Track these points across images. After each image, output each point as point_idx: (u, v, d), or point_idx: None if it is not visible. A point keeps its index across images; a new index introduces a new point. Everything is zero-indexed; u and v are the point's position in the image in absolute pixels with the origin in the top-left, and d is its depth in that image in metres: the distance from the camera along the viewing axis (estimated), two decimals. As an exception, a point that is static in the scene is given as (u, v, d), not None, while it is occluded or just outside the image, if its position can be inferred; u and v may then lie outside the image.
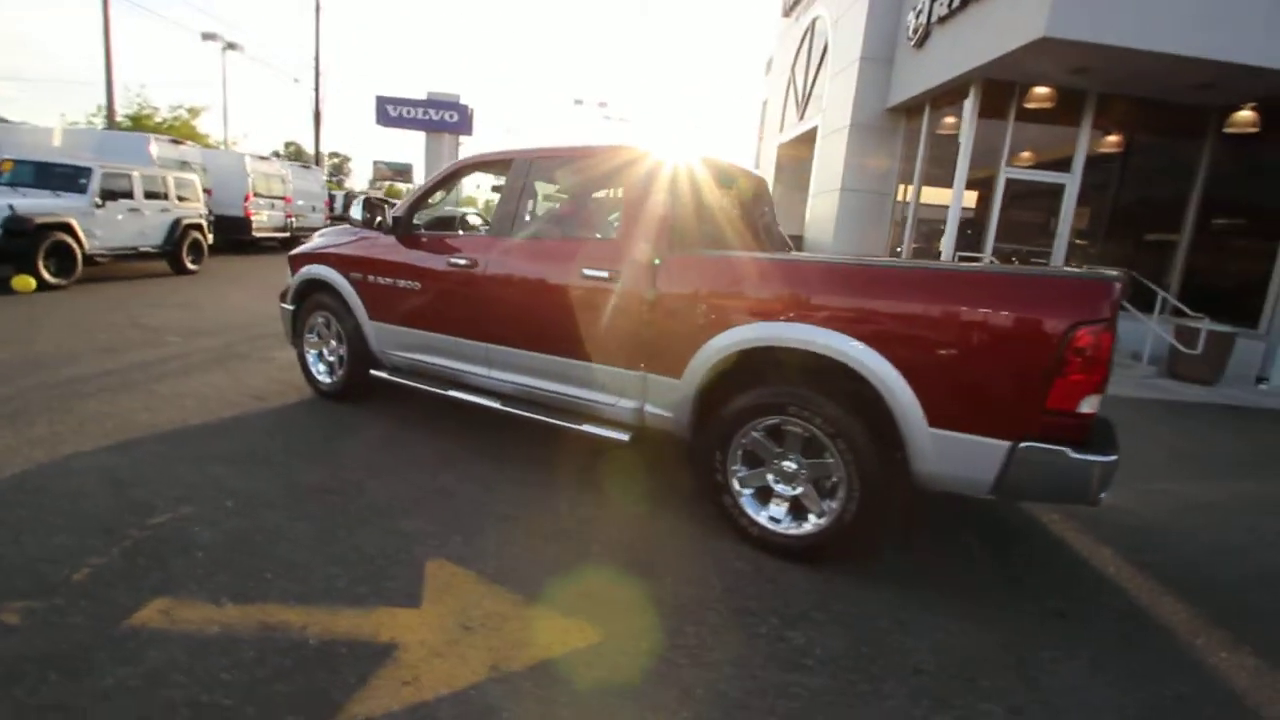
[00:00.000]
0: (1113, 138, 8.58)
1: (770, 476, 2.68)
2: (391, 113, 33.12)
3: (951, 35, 8.10)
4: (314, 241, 4.41)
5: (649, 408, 2.95)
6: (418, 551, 2.47)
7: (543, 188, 3.46)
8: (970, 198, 9.10)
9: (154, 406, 3.86)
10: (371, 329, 3.90)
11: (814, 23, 12.56)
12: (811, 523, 2.57)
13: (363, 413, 4.05)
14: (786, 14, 14.54)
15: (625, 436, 2.99)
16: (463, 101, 32.69)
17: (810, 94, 12.59)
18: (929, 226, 9.85)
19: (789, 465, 2.63)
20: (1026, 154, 8.61)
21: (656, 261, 2.82)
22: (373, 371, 3.96)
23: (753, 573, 2.51)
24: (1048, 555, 2.89)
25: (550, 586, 2.32)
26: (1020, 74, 7.69)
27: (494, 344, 3.36)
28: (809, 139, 12.65)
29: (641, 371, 2.91)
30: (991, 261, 8.27)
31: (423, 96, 31.63)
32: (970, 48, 7.65)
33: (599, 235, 3.15)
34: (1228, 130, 8.03)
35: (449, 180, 3.85)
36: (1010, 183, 8.36)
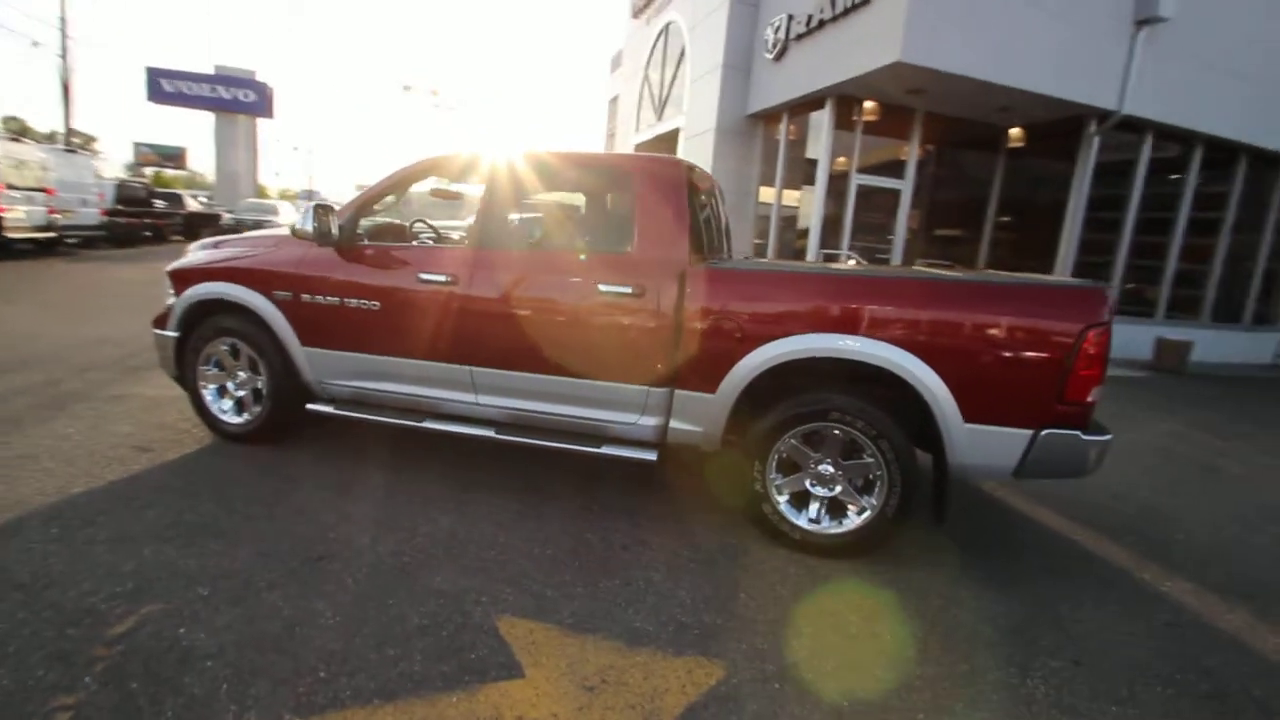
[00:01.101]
0: (932, 148, 10.04)
1: (807, 481, 2.78)
2: (167, 88, 28.28)
3: (808, 52, 8.88)
4: (199, 254, 3.63)
5: (675, 423, 2.89)
6: (475, 612, 2.19)
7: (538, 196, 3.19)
8: (804, 199, 10.10)
9: (3, 476, 2.93)
10: (305, 357, 3.32)
11: (668, 26, 12.99)
12: (854, 520, 2.72)
13: (289, 455, 3.45)
14: (636, 15, 14.84)
15: (652, 455, 2.90)
16: (260, 79, 28.76)
17: (668, 96, 13.02)
18: (786, 225, 10.74)
19: (825, 469, 2.75)
20: (873, 161, 9.74)
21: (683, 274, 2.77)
22: (310, 406, 3.38)
23: (807, 575, 2.60)
24: (1006, 521, 3.37)
25: (638, 622, 2.19)
26: (869, 91, 8.67)
27: (482, 367, 3.06)
28: (669, 140, 13.08)
29: (668, 388, 2.84)
30: (849, 256, 9.27)
31: (209, 71, 27.26)
32: (827, 65, 8.45)
33: (611, 247, 2.99)
34: (1009, 145, 9.85)
35: (402, 183, 3.39)
36: (860, 187, 9.42)
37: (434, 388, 3.19)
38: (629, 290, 2.79)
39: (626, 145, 15.65)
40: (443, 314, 3.05)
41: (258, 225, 18.76)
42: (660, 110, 13.41)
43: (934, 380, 2.50)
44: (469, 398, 3.14)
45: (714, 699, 1.86)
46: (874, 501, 2.68)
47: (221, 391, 3.61)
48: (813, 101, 9.31)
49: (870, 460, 2.66)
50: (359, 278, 3.18)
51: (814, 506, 2.78)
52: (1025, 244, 10.13)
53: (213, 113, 27.13)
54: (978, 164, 10.34)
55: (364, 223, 3.41)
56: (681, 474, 3.63)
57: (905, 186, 9.51)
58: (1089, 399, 2.45)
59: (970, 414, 2.51)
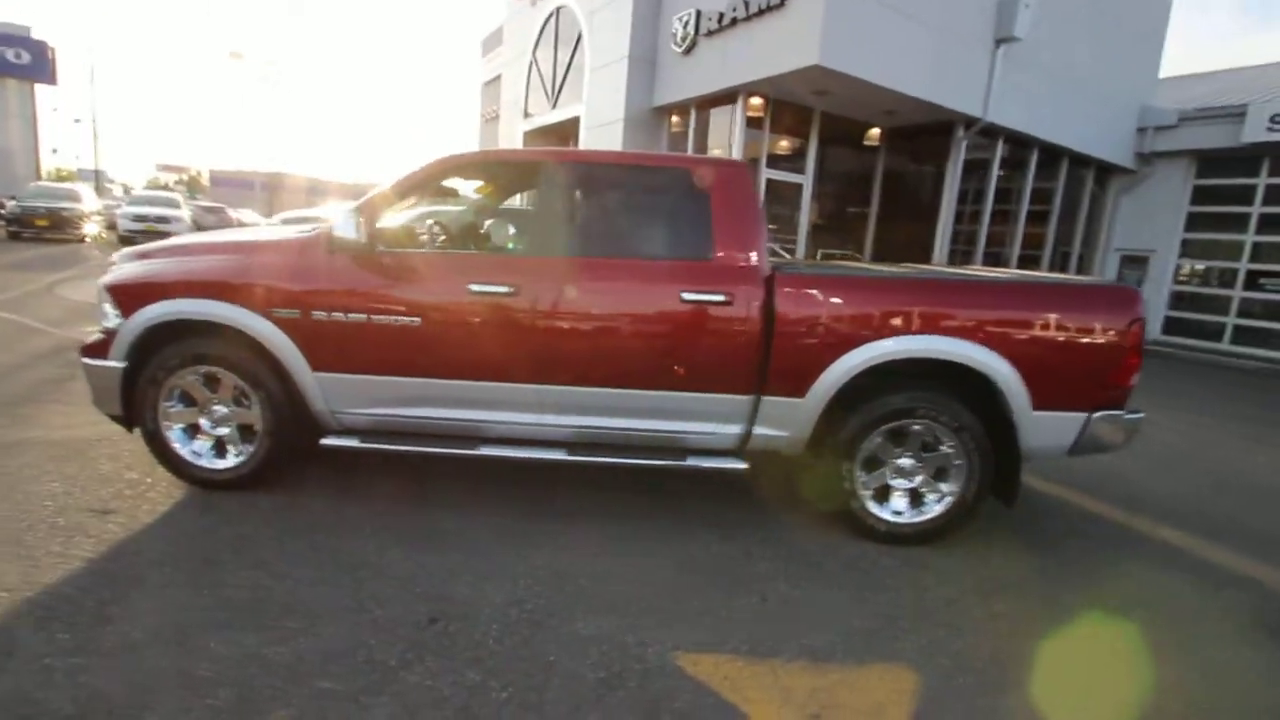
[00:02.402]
0: (829, 147, 10.81)
1: (889, 475, 2.91)
2: (-107, 40, 22.57)
3: (720, 49, 9.11)
4: (145, 265, 2.93)
5: (760, 430, 2.87)
6: (646, 655, 2.03)
7: (575, 197, 2.91)
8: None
9: (-79, 571, 2.17)
10: (316, 384, 2.83)
11: (559, 11, 12.60)
12: (934, 508, 2.89)
13: (297, 501, 2.94)
14: (519, -4, 14.22)
15: (743, 465, 2.86)
16: (37, 37, 23.52)
17: (563, 83, 12.67)
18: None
19: (905, 462, 2.89)
20: (776, 156, 10.25)
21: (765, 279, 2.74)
22: (326, 441, 2.89)
23: (904, 563, 2.73)
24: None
25: (805, 637, 2.17)
26: (778, 90, 9.10)
27: (548, 384, 2.81)
28: (567, 128, 12.78)
29: (753, 395, 2.81)
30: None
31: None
32: (740, 63, 8.73)
33: (687, 253, 2.85)
34: (867, 143, 10.89)
35: (428, 182, 2.96)
36: (768, 181, 9.89)
37: (487, 410, 2.87)
38: (719, 297, 2.71)
39: (514, 131, 15.02)
40: (502, 328, 2.75)
41: (52, 215, 15.48)
42: (554, 98, 13.03)
43: (1011, 374, 2.72)
44: (530, 418, 2.87)
45: (930, 703, 1.90)
46: (954, 489, 2.86)
47: (192, 431, 2.96)
48: (721, 96, 9.58)
49: (949, 451, 2.83)
50: (391, 290, 2.76)
51: (896, 498, 2.91)
52: (904, 235, 11.28)
53: (-34, 73, 21.79)
54: (862, 161, 11.31)
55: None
56: (737, 478, 3.62)
57: (807, 181, 10.14)
58: (1131, 383, 2.81)
59: (1038, 402, 2.76)
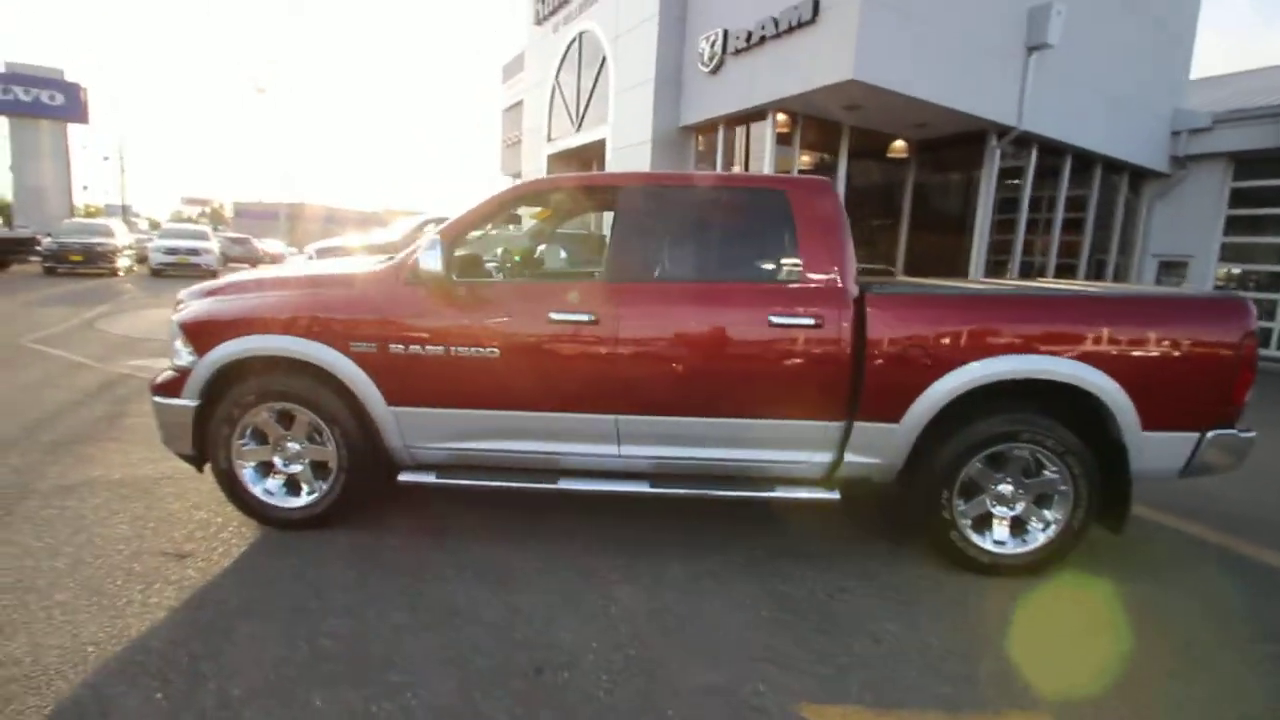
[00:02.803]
0: (858, 161, 10.73)
1: (989, 502, 2.76)
2: (-66, 88, 23.54)
3: (748, 67, 9.11)
4: (217, 302, 2.90)
5: (851, 457, 2.74)
6: (770, 708, 1.90)
7: (647, 221, 2.83)
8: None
9: (41, 617, 2.11)
10: (392, 418, 2.76)
11: (582, 36, 12.74)
12: (1039, 538, 2.73)
13: (369, 539, 2.86)
14: (540, 22, 14.41)
15: (835, 495, 2.74)
16: (69, 79, 24.33)
17: (588, 106, 12.77)
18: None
19: (1005, 489, 2.75)
20: (809, 169, 10.18)
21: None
22: (404, 477, 2.82)
23: (1010, 597, 2.57)
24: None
25: (933, 684, 2.03)
26: (809, 106, 9.06)
27: (630, 414, 2.71)
28: (593, 150, 12.86)
29: (845, 420, 2.69)
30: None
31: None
32: (770, 80, 8.72)
33: (773, 275, 2.77)
34: (895, 156, 10.77)
35: (501, 209, 2.92)
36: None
37: (565, 442, 2.78)
38: (809, 321, 2.61)
39: (538, 155, 15.15)
40: (583, 358, 2.67)
41: (87, 250, 15.80)
42: (579, 121, 13.13)
43: (1120, 394, 2.57)
44: (609, 450, 2.78)
45: (1087, 760, 1.75)
46: (1059, 516, 2.71)
47: (265, 469, 2.91)
48: (751, 114, 9.56)
49: (1053, 476, 2.69)
50: (469, 321, 2.69)
51: (998, 527, 2.76)
52: (936, 247, 11.12)
53: (6, 118, 22.55)
54: (892, 174, 11.20)
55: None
56: (792, 508, 3.48)
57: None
58: (1245, 400, 2.65)
59: (1148, 423, 2.61)
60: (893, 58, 7.68)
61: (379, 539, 2.85)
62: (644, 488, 2.76)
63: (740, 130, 10.10)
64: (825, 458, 2.76)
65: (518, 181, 2.91)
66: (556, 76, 13.91)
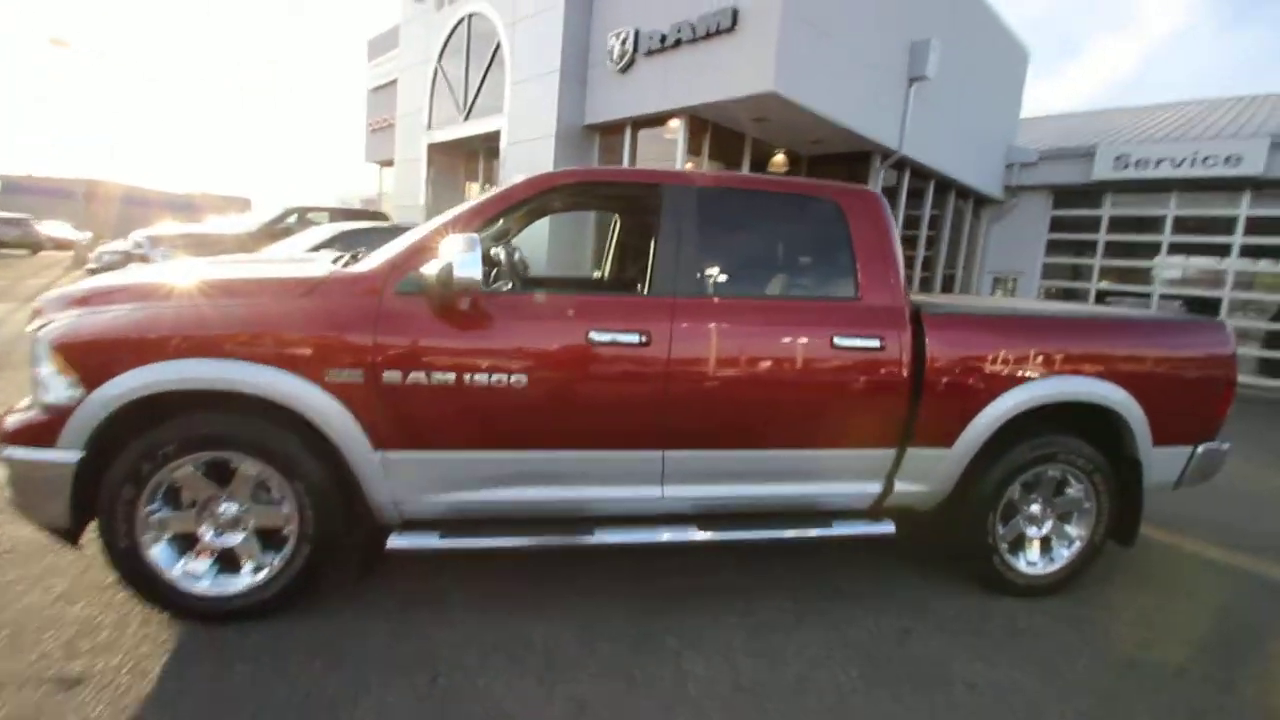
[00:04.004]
0: (757, 172, 11.02)
1: (1022, 524, 2.76)
2: None
3: (661, 70, 8.94)
4: (107, 312, 2.08)
5: (901, 485, 2.60)
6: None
7: (676, 229, 2.43)
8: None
9: None
10: (381, 466, 2.15)
11: (472, 18, 11.81)
12: (1064, 555, 2.77)
13: (335, 627, 2.22)
14: (420, -1, 13.19)
15: (892, 528, 2.57)
16: None
17: (479, 95, 11.88)
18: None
19: (1035, 509, 2.76)
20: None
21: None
22: (395, 543, 2.20)
23: (1072, 626, 2.58)
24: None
25: (1056, 739, 1.90)
26: (720, 115, 9.09)
27: (679, 450, 2.35)
28: (484, 142, 12.01)
29: (897, 447, 2.54)
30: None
31: None
32: (685, 86, 8.61)
33: (833, 292, 2.50)
34: (771, 170, 11.32)
35: (521, 204, 2.38)
36: (706, 204, 9.83)
37: (601, 485, 2.35)
38: (874, 343, 2.41)
39: (415, 143, 13.85)
40: (630, 384, 2.26)
41: None
42: (467, 109, 12.17)
43: (1139, 412, 2.68)
44: (651, 492, 2.39)
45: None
46: (1082, 533, 2.77)
47: (186, 543, 2.14)
48: (662, 118, 9.42)
49: (1078, 494, 2.74)
50: (489, 342, 2.16)
51: (1031, 548, 2.77)
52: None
53: None
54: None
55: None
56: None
57: (740, 205, 10.22)
58: (1227, 414, 2.89)
59: (1157, 439, 2.75)
60: (807, 74, 7.90)
61: (361, 624, 2.20)
62: (692, 533, 2.40)
63: (648, 134, 9.93)
64: (875, 488, 2.59)
65: (508, 185, 2.38)
66: (440, 59, 12.80)
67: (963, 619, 2.54)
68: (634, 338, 2.23)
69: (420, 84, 13.46)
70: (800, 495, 2.53)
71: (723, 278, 2.47)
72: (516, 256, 3.24)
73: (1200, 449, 2.85)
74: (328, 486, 2.14)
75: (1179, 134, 12.43)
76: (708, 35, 8.17)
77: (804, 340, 2.38)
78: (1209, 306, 11.76)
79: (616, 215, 3.71)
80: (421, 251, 2.18)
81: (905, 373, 2.45)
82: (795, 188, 2.56)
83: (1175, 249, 12.33)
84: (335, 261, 2.59)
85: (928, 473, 2.59)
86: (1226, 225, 11.56)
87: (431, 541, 2.22)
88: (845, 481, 2.56)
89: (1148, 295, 12.75)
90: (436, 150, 13.45)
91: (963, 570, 2.85)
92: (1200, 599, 2.88)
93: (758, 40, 7.65)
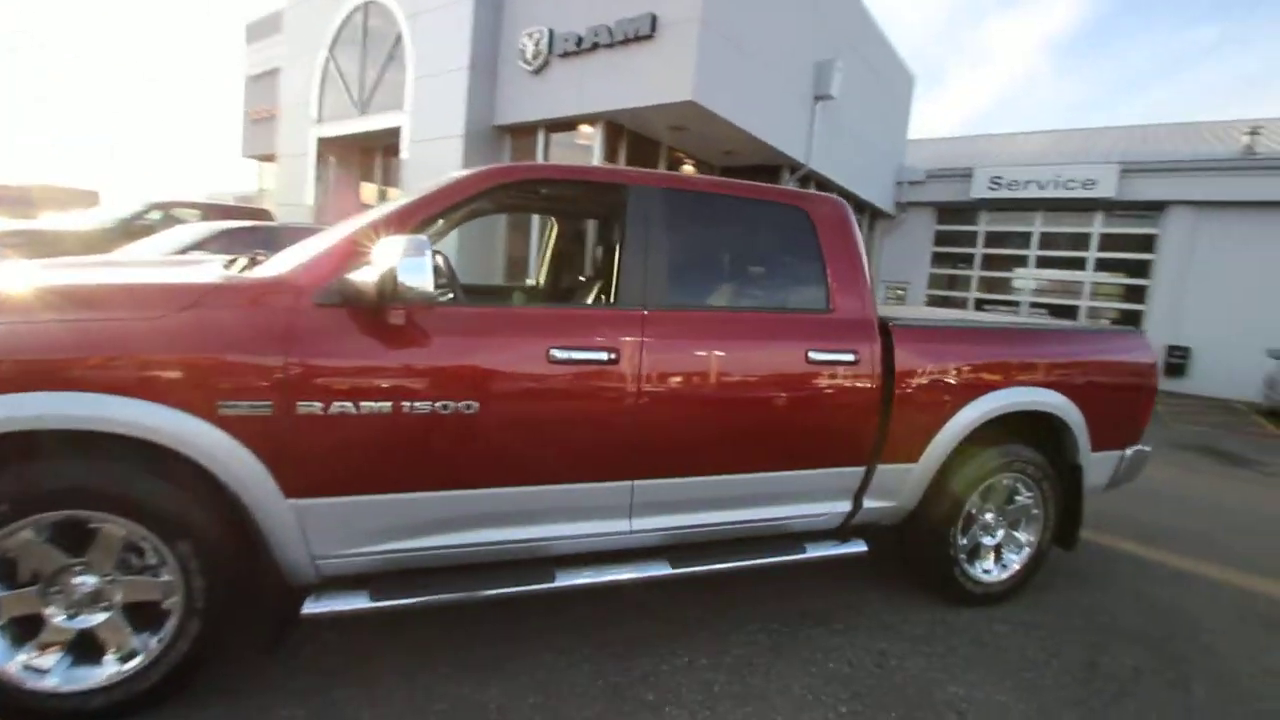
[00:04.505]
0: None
1: (979, 533, 2.76)
2: None
3: (577, 73, 8.70)
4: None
5: (869, 502, 2.51)
6: None
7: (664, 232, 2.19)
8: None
9: None
10: (295, 517, 1.75)
11: (368, 7, 10.98)
12: (1015, 562, 2.81)
13: (269, 710, 1.80)
14: (307, -18, 12.10)
15: (864, 547, 2.48)
16: None
17: (375, 88, 11.05)
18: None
19: (989, 518, 2.78)
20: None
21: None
22: (312, 609, 1.80)
23: (1053, 639, 2.59)
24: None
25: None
26: (638, 122, 8.97)
27: (649, 479, 2.12)
28: (382, 138, 11.20)
29: (867, 464, 2.45)
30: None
31: None
32: (601, 91, 8.43)
33: (806, 304, 2.34)
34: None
35: (465, 200, 2.03)
36: (623, 211, 9.68)
37: (562, 522, 2.07)
38: (848, 357, 2.30)
39: (302, 137, 12.68)
40: (597, 407, 2.00)
41: None
42: (364, 104, 11.29)
43: (1080, 418, 2.76)
44: (619, 526, 2.14)
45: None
46: (1031, 539, 2.82)
47: (27, 630, 1.64)
48: (577, 122, 9.17)
49: (1028, 501, 2.79)
50: (433, 362, 1.83)
51: (987, 557, 2.78)
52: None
53: None
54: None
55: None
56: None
57: (656, 213, 10.17)
58: (1149, 419, 3.06)
59: (1095, 445, 2.85)
60: (724, 86, 7.97)
61: (272, 712, 1.78)
62: (663, 569, 2.17)
63: (562, 138, 9.64)
64: (845, 506, 2.49)
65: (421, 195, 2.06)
66: (332, 49, 11.81)
67: (932, 637, 2.48)
68: (601, 355, 1.97)
69: (308, 74, 12.38)
70: (772, 519, 2.38)
71: (695, 288, 2.27)
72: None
73: (1129, 452, 3.00)
74: (222, 546, 1.72)
75: (1043, 159, 13.84)
76: (625, 41, 8.03)
77: (780, 355, 2.23)
78: (1069, 313, 13.14)
79: (553, 219, 3.43)
80: (347, 255, 1.81)
81: (877, 386, 2.37)
82: (765, 194, 2.41)
83: (1042, 262, 13.68)
84: (228, 266, 2.14)
85: (895, 488, 2.53)
86: (1083, 241, 12.97)
87: (359, 603, 1.84)
88: (817, 502, 2.44)
89: (1018, 304, 14.06)
90: (329, 145, 12.41)
91: (923, 583, 2.82)
92: (1131, 594, 3.02)
93: (678, 49, 7.61)
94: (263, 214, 11.63)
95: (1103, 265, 12.87)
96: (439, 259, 2.49)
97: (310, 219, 11.74)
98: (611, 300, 2.10)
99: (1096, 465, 2.90)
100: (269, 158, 15.81)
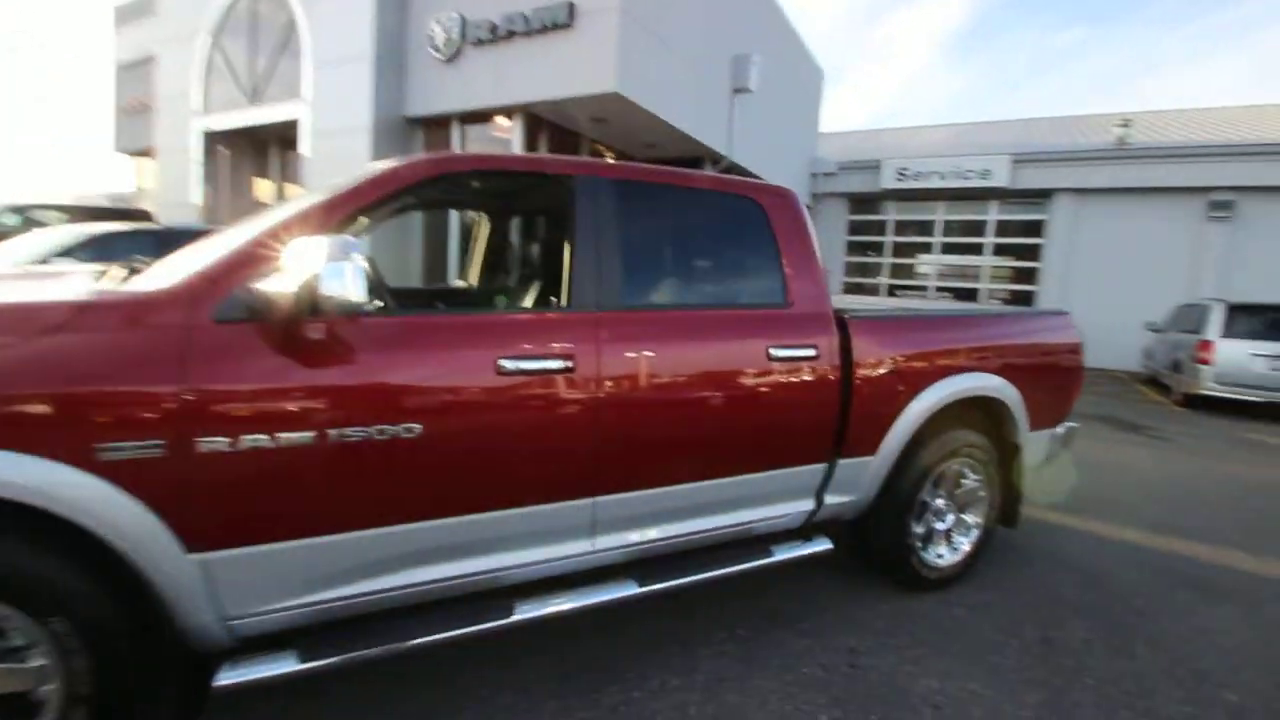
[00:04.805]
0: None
1: (932, 519, 2.79)
2: None
3: (492, 62, 8.32)
4: None
5: (830, 499, 2.47)
6: None
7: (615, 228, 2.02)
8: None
9: None
10: (201, 573, 1.48)
11: (256, -12, 10.08)
12: (965, 544, 2.86)
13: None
14: (181, -42, 10.93)
15: (829, 545, 2.43)
16: None
17: (268, 77, 10.15)
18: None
19: (940, 503, 2.81)
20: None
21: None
22: (227, 679, 1.53)
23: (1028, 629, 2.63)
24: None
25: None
26: (558, 114, 8.71)
27: (613, 494, 1.97)
28: (273, 133, 10.35)
29: (829, 460, 2.41)
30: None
31: None
32: (520, 81, 8.11)
33: (763, 299, 2.23)
34: None
35: (395, 194, 1.77)
36: (547, 206, 9.40)
37: (518, 549, 1.88)
38: (809, 352, 2.23)
39: (183, 129, 11.48)
40: (557, 421, 1.82)
41: None
42: (255, 94, 10.36)
43: (1020, 401, 2.84)
44: (580, 547, 1.97)
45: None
46: (979, 520, 2.88)
47: None
48: (494, 114, 8.80)
49: (974, 484, 2.85)
50: (364, 380, 1.59)
51: (940, 542, 2.81)
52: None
53: None
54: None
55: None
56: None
57: (580, 207, 9.95)
58: (1077, 395, 3.21)
59: (1032, 425, 2.95)
60: (646, 77, 7.86)
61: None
62: (631, 589, 2.03)
63: (478, 131, 9.23)
64: (808, 505, 2.43)
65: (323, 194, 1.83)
66: (216, 34, 10.76)
67: (897, 629, 2.47)
68: (556, 364, 1.80)
69: (189, 61, 11.24)
70: (737, 524, 2.28)
71: (650, 286, 2.13)
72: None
73: (1060, 429, 3.13)
74: (111, 618, 1.42)
75: (943, 151, 14.65)
76: (543, 29, 7.76)
77: (742, 354, 2.13)
78: (970, 297, 14.02)
79: (484, 214, 3.19)
80: (253, 261, 1.54)
81: (836, 380, 2.32)
82: (718, 184, 2.30)
83: (945, 249, 14.51)
84: (100, 277, 1.80)
85: (855, 482, 2.50)
86: (981, 228, 13.85)
87: (286, 666, 1.58)
88: (781, 503, 2.36)
89: (925, 289, 14.86)
90: (218, 139, 11.33)
91: (880, 572, 2.82)
92: (1066, 565, 3.15)
93: (598, 39, 7.42)
94: (142, 215, 10.50)
95: (999, 250, 13.81)
96: (365, 262, 2.24)
97: (199, 220, 10.69)
98: (563, 302, 1.92)
99: (1033, 444, 3.00)
100: (146, 153, 14.29)
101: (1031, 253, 13.45)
